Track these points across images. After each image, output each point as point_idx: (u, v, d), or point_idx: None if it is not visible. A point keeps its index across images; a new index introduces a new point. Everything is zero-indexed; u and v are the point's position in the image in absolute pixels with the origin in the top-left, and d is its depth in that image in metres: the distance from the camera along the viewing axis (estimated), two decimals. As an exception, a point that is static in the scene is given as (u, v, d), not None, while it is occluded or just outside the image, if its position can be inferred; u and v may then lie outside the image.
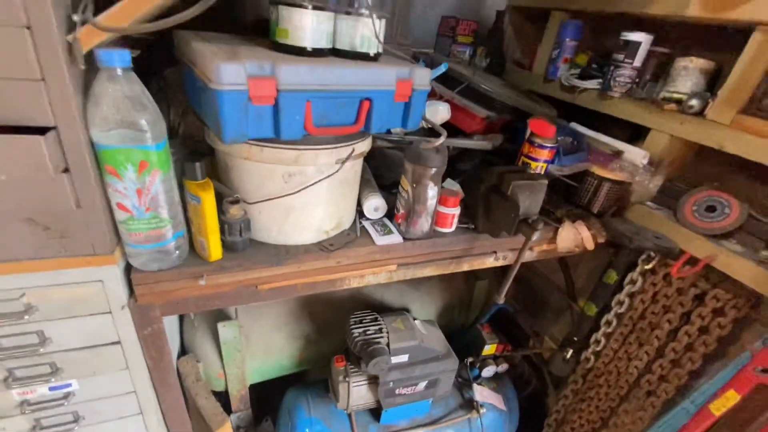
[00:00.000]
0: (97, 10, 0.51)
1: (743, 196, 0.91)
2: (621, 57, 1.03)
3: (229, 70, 0.53)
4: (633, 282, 1.10)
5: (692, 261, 0.94)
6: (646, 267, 1.06)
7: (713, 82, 0.97)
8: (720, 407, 0.85)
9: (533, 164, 0.96)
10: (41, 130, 0.51)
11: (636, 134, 1.08)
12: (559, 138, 1.03)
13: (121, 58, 0.53)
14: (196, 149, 0.84)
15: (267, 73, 0.55)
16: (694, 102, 0.92)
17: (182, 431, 0.95)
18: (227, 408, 1.26)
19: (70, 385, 0.75)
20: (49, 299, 0.65)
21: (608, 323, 1.18)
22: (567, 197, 1.13)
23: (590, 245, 1.01)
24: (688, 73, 0.97)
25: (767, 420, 0.81)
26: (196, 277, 0.71)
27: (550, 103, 1.23)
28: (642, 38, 0.99)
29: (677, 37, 1.09)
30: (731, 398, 0.84)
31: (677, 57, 0.98)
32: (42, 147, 0.50)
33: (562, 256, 1.15)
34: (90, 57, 0.53)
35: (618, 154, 1.04)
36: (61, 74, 0.50)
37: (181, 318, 1.22)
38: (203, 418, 1.06)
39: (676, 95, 0.97)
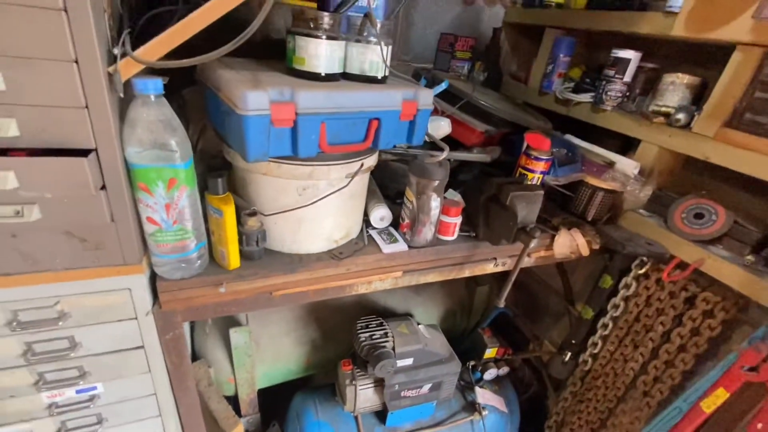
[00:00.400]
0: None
1: (729, 203, 0.97)
2: (612, 72, 1.09)
3: (255, 98, 0.58)
4: (627, 286, 1.15)
5: (682, 266, 1.00)
6: (640, 272, 1.11)
7: (699, 96, 1.03)
8: (710, 405, 0.90)
9: (530, 175, 1.02)
10: (83, 152, 0.56)
11: (627, 145, 1.14)
12: (554, 150, 1.09)
13: (155, 86, 0.58)
14: (213, 164, 0.90)
15: (287, 98, 0.61)
16: (680, 116, 0.98)
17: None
18: (237, 412, 1.30)
19: (95, 388, 0.79)
20: (81, 306, 0.69)
21: (604, 326, 1.23)
22: (563, 206, 1.18)
23: (585, 251, 1.06)
24: (675, 88, 1.03)
25: (755, 417, 0.86)
26: (216, 285, 0.76)
27: (545, 116, 1.29)
28: (631, 55, 1.05)
29: (665, 53, 1.16)
30: (721, 396, 0.88)
31: (665, 73, 1.04)
32: (85, 168, 0.55)
33: (559, 261, 1.20)
34: (126, 85, 0.58)
35: (611, 164, 1.09)
36: (103, 102, 0.55)
37: (192, 324, 1.26)
38: (216, 422, 1.10)
39: (664, 109, 1.03)
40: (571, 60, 1.27)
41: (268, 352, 1.28)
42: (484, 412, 1.30)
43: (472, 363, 1.38)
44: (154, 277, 0.74)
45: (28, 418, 0.77)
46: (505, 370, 1.41)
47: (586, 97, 1.19)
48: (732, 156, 0.89)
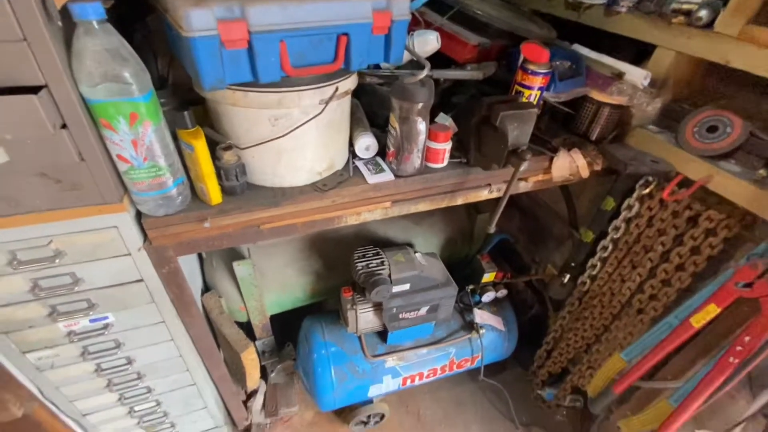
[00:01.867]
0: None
1: (748, 113, 0.88)
2: (630, -36, 0.94)
3: (198, 16, 0.53)
4: (630, 207, 1.11)
5: (687, 183, 0.94)
6: (644, 192, 1.07)
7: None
8: (700, 320, 0.90)
9: (526, 92, 0.94)
10: (34, 90, 0.54)
11: (642, 57, 1.03)
12: (557, 62, 0.99)
13: (95, 11, 0.53)
14: (188, 98, 0.86)
15: (236, 15, 0.55)
16: (702, 13, 0.86)
17: (210, 353, 1.08)
18: (252, 336, 1.41)
19: (107, 317, 0.86)
20: (74, 245, 0.72)
21: (604, 248, 1.21)
22: (566, 125, 1.11)
23: (585, 173, 1.01)
24: (703, -23, 0.88)
25: (744, 330, 0.86)
26: (201, 220, 0.77)
27: (553, 25, 1.16)
28: (653, -60, 0.90)
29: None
30: (711, 311, 0.89)
31: (693, -40, 0.89)
32: (37, 105, 0.53)
33: (562, 184, 1.16)
34: (66, 13, 0.54)
35: (619, 76, 0.99)
36: (41, 32, 0.51)
37: (201, 258, 1.32)
38: (230, 345, 1.20)
39: (686, 6, 0.90)
40: (585, -48, 1.09)
41: (275, 282, 1.34)
42: (482, 331, 1.36)
43: (470, 287, 1.42)
44: (140, 215, 0.75)
45: (51, 345, 0.85)
46: (503, 292, 1.45)
47: (598, -1, 1.04)
48: (755, 58, 0.79)
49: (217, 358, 1.13)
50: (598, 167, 1.04)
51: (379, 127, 0.99)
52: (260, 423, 1.51)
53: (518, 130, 0.84)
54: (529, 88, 0.93)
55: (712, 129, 0.92)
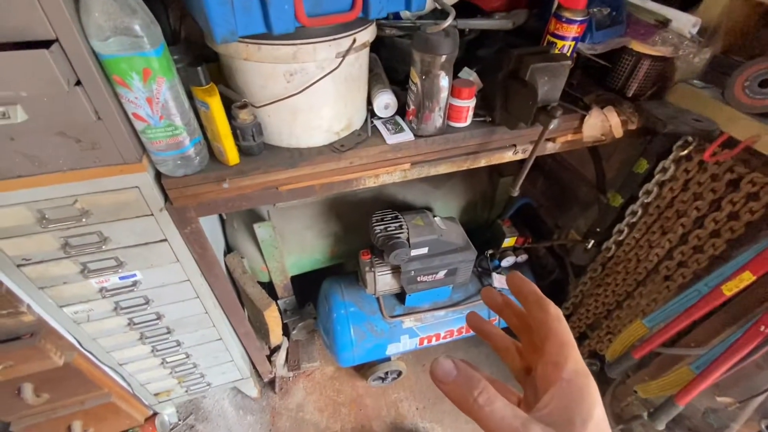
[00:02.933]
0: None
1: (809, 64, 0.79)
2: None
3: (205, -41, 0.49)
4: (665, 170, 1.05)
5: (731, 144, 0.87)
6: (681, 153, 1.00)
7: None
8: (732, 288, 0.87)
9: (559, 43, 0.86)
10: (46, 45, 0.53)
11: (691, 2, 0.92)
12: (595, 9, 0.91)
13: (99, -43, 0.51)
14: (201, 54, 0.83)
15: (246, -43, 0.51)
16: (769, -54, 0.75)
17: (234, 310, 1.12)
18: (274, 295, 1.45)
19: (135, 275, 0.89)
20: (98, 204, 0.74)
21: (633, 213, 1.16)
22: (600, 80, 1.03)
23: (618, 133, 0.95)
24: None
25: (780, 299, 0.82)
26: (220, 181, 0.77)
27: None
28: None
29: None
30: (745, 279, 0.85)
31: None
32: (49, 60, 0.52)
33: (592, 146, 1.10)
34: (69, -41, 0.51)
35: (663, 24, 0.90)
36: (46, -19, 0.49)
37: (223, 220, 1.34)
38: (253, 303, 1.24)
39: (748, -61, 0.79)
40: None
41: (294, 244, 1.36)
42: (500, 295, 1.36)
43: (490, 251, 1.40)
44: (160, 176, 0.75)
45: (85, 300, 0.89)
46: (523, 257, 1.43)
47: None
48: (828, -3, 0.70)
49: (241, 316, 1.17)
50: (633, 126, 0.97)
51: (399, 84, 0.95)
52: (284, 376, 1.59)
53: (549, 85, 0.78)
54: (562, 38, 0.86)
55: (764, 83, 0.83)
